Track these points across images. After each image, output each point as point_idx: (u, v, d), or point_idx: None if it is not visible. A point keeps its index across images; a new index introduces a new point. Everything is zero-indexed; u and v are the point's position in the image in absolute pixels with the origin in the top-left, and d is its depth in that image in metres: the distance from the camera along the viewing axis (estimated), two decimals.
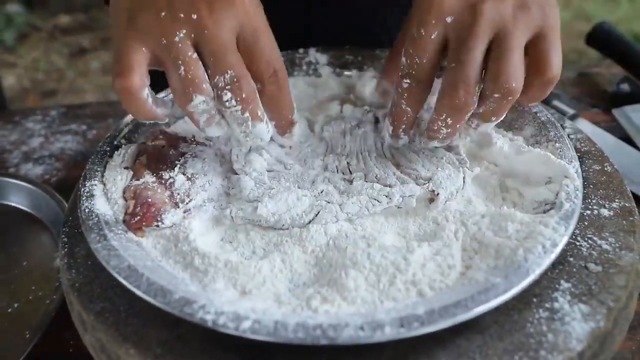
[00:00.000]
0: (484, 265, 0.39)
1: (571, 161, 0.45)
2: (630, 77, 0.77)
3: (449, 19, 0.42)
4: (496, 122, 0.44)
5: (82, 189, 0.45)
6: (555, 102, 0.73)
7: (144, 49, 0.41)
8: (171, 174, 0.46)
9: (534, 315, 0.37)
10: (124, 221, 0.43)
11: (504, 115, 0.44)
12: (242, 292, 0.39)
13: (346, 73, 0.60)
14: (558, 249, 0.38)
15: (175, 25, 0.40)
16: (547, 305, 0.38)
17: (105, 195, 0.45)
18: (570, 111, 0.71)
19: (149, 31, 0.41)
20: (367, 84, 0.58)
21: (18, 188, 0.65)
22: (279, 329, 0.34)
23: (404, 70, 0.44)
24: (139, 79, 0.40)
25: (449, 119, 0.43)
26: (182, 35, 0.40)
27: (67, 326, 0.48)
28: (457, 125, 0.43)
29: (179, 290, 0.37)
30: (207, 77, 0.41)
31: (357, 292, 0.37)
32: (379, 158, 0.48)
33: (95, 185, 0.46)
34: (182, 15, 0.40)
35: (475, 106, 0.42)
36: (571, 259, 0.41)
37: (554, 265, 0.40)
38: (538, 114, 0.51)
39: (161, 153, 0.48)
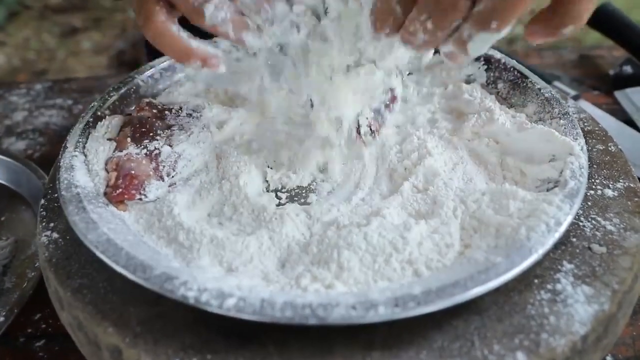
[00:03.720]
0: (483, 245, 0.37)
1: (576, 138, 0.43)
2: (633, 59, 0.75)
3: None
4: (498, 35, 0.33)
5: (62, 160, 0.43)
6: (556, 84, 0.71)
7: None
8: (157, 145, 0.44)
9: (535, 296, 0.35)
10: (105, 194, 0.41)
11: (510, 24, 0.32)
12: (229, 269, 0.37)
13: None
14: (562, 228, 0.36)
15: None
16: (549, 286, 0.36)
17: (86, 167, 0.43)
18: (572, 92, 0.69)
19: None
20: None
21: None
22: (266, 307, 0.32)
23: None
24: (163, 16, 0.39)
25: (429, 21, 0.33)
26: None
27: (45, 305, 0.46)
28: (438, 34, 0.34)
29: (160, 266, 0.35)
30: None
31: (350, 273, 0.35)
32: None
33: (76, 156, 0.43)
34: None
35: (465, 13, 0.33)
36: (574, 240, 0.39)
37: (556, 245, 0.38)
38: (542, 91, 0.48)
39: (147, 124, 0.46)
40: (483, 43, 0.34)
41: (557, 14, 0.34)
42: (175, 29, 0.40)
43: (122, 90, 0.51)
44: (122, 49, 2.29)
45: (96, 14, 2.54)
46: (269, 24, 0.41)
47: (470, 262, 0.35)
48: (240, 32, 0.40)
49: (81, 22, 2.51)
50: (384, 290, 0.33)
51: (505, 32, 0.32)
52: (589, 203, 0.42)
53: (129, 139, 0.45)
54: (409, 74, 0.55)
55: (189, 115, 0.48)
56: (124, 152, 0.43)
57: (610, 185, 0.44)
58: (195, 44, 0.40)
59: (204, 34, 0.41)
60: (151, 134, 0.45)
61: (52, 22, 2.54)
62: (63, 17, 2.56)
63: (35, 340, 0.46)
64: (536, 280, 0.37)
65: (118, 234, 0.37)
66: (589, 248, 0.39)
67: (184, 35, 0.40)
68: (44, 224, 0.42)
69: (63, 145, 0.45)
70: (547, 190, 0.41)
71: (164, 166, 0.43)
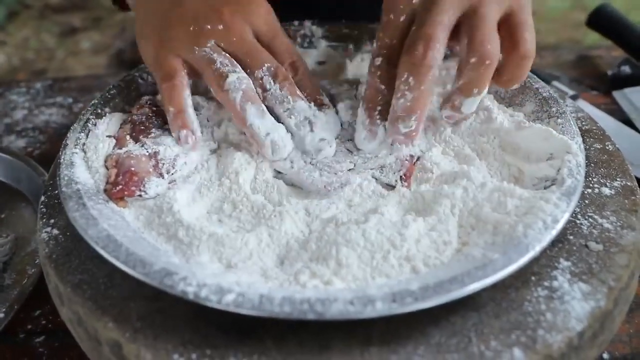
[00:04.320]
0: (481, 242, 0.37)
1: (574, 137, 0.44)
2: (632, 59, 0.76)
3: (415, 0, 0.43)
4: (479, 96, 0.43)
5: (62, 157, 0.43)
6: (555, 84, 0.72)
7: (179, 58, 0.46)
8: (156, 142, 0.44)
9: (532, 293, 0.36)
10: (105, 190, 0.41)
11: (486, 88, 0.43)
12: (228, 265, 0.37)
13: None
14: (559, 225, 0.36)
15: (204, 36, 0.46)
16: (546, 283, 0.36)
17: (86, 164, 0.43)
18: (570, 92, 0.70)
19: (180, 44, 0.46)
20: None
21: None
22: (264, 302, 0.32)
23: (376, 51, 0.45)
24: (183, 79, 0.45)
25: (410, 78, 0.41)
26: (212, 43, 0.46)
27: (45, 301, 0.46)
28: (422, 88, 0.41)
29: (160, 261, 0.35)
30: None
31: (349, 269, 0.36)
32: None
33: (76, 153, 0.44)
34: (208, 27, 0.46)
35: (437, 63, 0.41)
36: (571, 237, 0.39)
37: (553, 243, 0.38)
38: (540, 90, 0.49)
39: (146, 121, 0.46)
40: (471, 104, 0.44)
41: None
42: (187, 93, 0.45)
43: (122, 88, 0.52)
44: (121, 49, 2.29)
45: (96, 14, 2.54)
46: (288, 115, 0.45)
47: (468, 258, 0.36)
48: (246, 102, 0.43)
49: (81, 22, 2.51)
50: (382, 286, 0.34)
51: (484, 92, 0.44)
52: (586, 201, 0.42)
53: (128, 137, 0.45)
54: None
55: None
56: (124, 149, 0.44)
57: (608, 184, 0.44)
58: (196, 125, 0.45)
59: None
60: (151, 132, 0.45)
61: (52, 21, 2.54)
62: (63, 16, 2.56)
63: (35, 337, 0.46)
64: (533, 277, 0.37)
65: (118, 230, 0.38)
66: (586, 245, 0.39)
67: (189, 101, 0.45)
68: (44, 220, 0.42)
69: (63, 142, 0.45)
70: (545, 188, 0.41)
71: (163, 164, 0.43)
